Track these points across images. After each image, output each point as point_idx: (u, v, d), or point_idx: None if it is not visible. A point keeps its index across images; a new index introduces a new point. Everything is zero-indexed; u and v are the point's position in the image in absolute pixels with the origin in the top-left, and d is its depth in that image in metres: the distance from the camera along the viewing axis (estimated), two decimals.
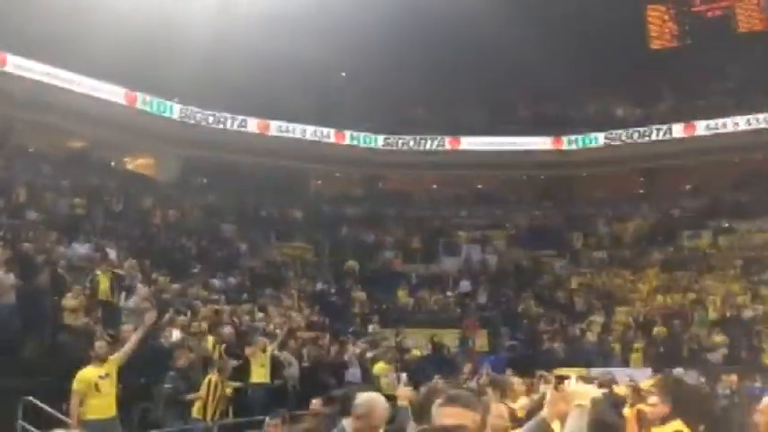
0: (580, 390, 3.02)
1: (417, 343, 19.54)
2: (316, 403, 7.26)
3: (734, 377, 16.61)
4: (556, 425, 3.20)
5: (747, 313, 20.94)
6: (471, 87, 29.43)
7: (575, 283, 24.72)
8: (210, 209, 25.04)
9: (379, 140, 28.25)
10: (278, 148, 26.34)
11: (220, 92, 25.33)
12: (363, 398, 4.18)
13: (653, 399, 5.04)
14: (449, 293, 23.95)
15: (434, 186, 31.65)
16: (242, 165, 27.64)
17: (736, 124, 26.72)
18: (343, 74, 30.23)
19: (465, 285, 24.35)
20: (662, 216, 27.97)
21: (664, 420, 4.82)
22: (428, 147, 28.40)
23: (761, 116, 26.34)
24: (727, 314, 21.13)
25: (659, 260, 25.28)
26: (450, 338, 20.47)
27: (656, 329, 20.55)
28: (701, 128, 27.20)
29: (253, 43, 23.97)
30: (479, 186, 31.67)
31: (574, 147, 28.37)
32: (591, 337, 20.69)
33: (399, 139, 28.30)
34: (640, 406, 5.35)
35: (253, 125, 26.49)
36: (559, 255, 26.75)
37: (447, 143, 28.50)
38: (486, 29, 26.44)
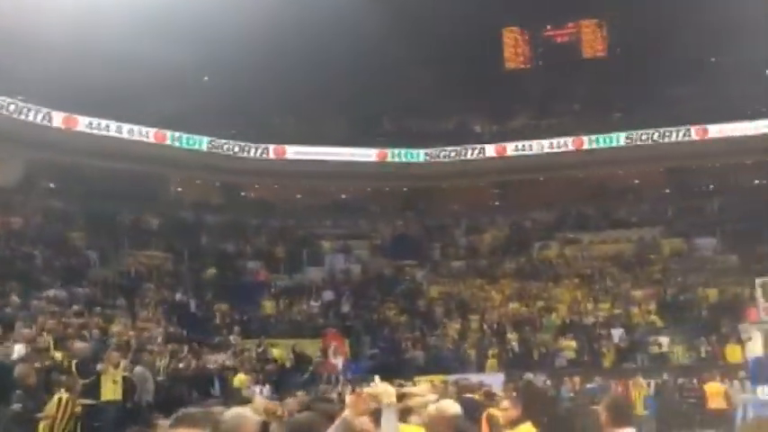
0: (387, 390, 3.43)
1: (280, 353, 19.37)
2: (163, 426, 6.94)
3: (577, 379, 17.81)
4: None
5: (590, 319, 22.53)
6: (338, 98, 29.68)
7: (434, 291, 25.49)
8: (57, 215, 23.50)
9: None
10: (129, 151, 24.97)
11: (75, 90, 23.88)
12: (230, 413, 4.07)
13: (504, 403, 5.34)
14: (312, 303, 23.93)
15: (298, 196, 31.55)
16: (92, 168, 26.08)
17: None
18: (206, 78, 29.52)
19: (328, 295, 24.45)
20: (515, 228, 29.50)
21: (514, 423, 5.11)
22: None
23: (595, 137, 28.44)
24: (572, 320, 22.62)
25: (512, 269, 26.62)
26: (313, 348, 20.43)
27: (508, 336, 21.61)
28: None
29: (113, 42, 22.86)
30: (343, 196, 31.93)
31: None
32: (448, 344, 21.44)
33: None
34: (491, 410, 5.61)
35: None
36: (420, 264, 27.49)
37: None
38: (356, 43, 26.95)
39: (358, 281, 26.21)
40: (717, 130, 27.45)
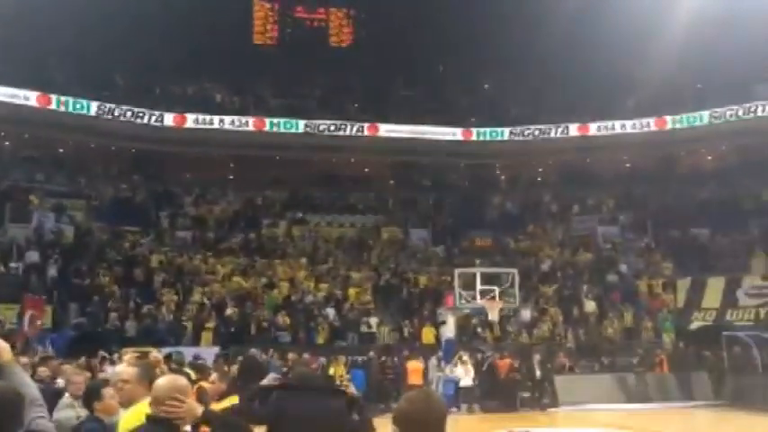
0: (2, 346, 3.34)
1: None
2: None
3: (292, 355, 18.38)
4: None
5: (309, 298, 23.31)
6: (67, 47, 26.82)
7: (155, 261, 24.41)
8: None
9: None
10: None
11: None
12: None
13: (213, 376, 5.29)
14: (12, 264, 21.50)
15: (6, 144, 28.01)
16: None
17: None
18: None
19: (33, 256, 22.17)
20: (246, 203, 29.40)
21: (222, 396, 5.10)
22: None
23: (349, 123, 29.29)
24: (292, 298, 23.22)
25: (239, 244, 26.52)
26: (9, 314, 18.45)
27: (228, 310, 21.51)
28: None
29: None
30: (61, 150, 29.05)
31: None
32: (165, 316, 20.73)
33: None
34: (202, 384, 5.54)
35: None
36: (143, 231, 26.14)
37: None
38: None
39: (69, 243, 24.11)
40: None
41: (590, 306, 24.23)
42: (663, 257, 27.03)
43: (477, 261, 24.59)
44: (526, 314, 23.06)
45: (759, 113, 27.57)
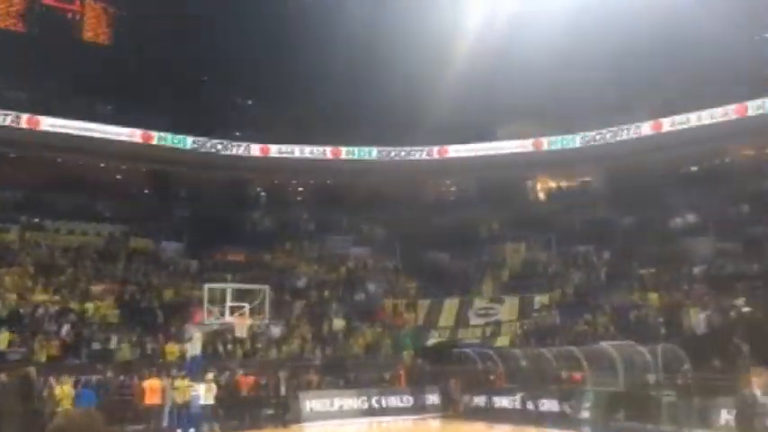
0: None
1: None
2: None
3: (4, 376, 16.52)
4: None
5: (41, 311, 21.06)
6: None
7: None
8: None
9: None
10: None
11: None
12: None
13: None
14: None
15: None
16: None
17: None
18: None
19: None
20: None
21: None
22: None
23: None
24: (21, 310, 20.84)
25: None
26: None
27: None
28: None
29: None
30: None
31: None
32: None
33: None
34: None
35: None
36: None
37: None
38: None
39: None
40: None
41: (339, 323, 24.95)
42: (408, 279, 28.75)
43: (229, 276, 24.15)
44: (276, 331, 23.09)
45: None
